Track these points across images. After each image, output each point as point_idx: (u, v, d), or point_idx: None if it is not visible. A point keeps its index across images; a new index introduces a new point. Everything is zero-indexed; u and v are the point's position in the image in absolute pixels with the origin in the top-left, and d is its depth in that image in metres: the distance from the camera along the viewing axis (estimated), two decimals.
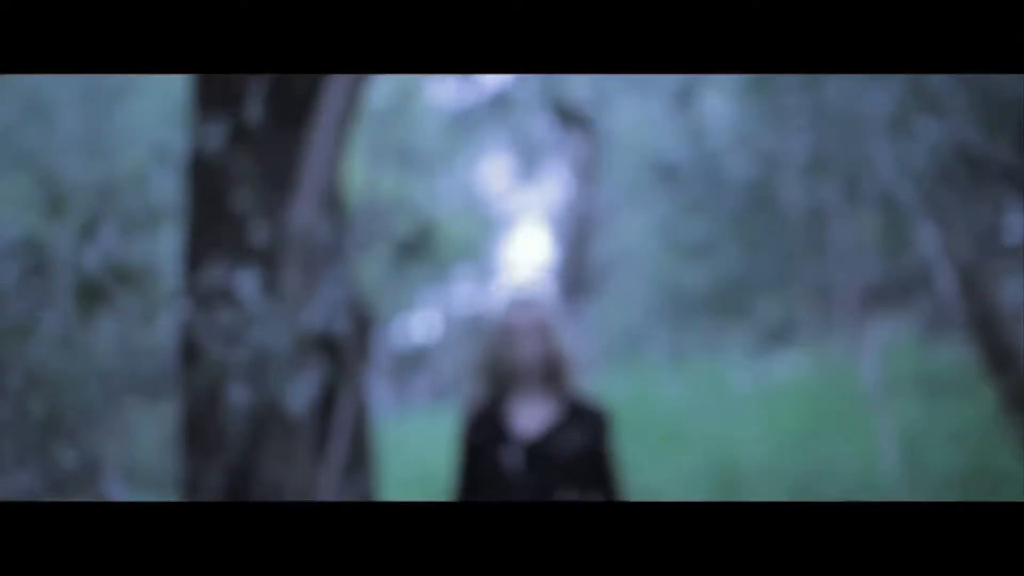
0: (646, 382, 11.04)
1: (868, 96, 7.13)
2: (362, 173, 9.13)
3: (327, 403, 5.48)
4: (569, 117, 6.57)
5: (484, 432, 3.81)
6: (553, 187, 19.61)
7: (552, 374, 3.86)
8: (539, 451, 3.75)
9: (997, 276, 8.42)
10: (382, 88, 9.75)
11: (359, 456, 5.67)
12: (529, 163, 19.38)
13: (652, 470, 8.76)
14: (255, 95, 5.36)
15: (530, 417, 3.81)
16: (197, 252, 5.49)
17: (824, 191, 9.02)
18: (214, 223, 5.49)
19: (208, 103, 5.56)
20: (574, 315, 16.25)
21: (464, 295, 19.85)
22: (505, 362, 3.87)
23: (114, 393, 5.36)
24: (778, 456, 8.86)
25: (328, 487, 5.38)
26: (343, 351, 5.49)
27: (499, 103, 9.94)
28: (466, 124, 15.51)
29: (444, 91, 15.44)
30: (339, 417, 5.49)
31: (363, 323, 5.67)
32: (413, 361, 19.38)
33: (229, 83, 5.49)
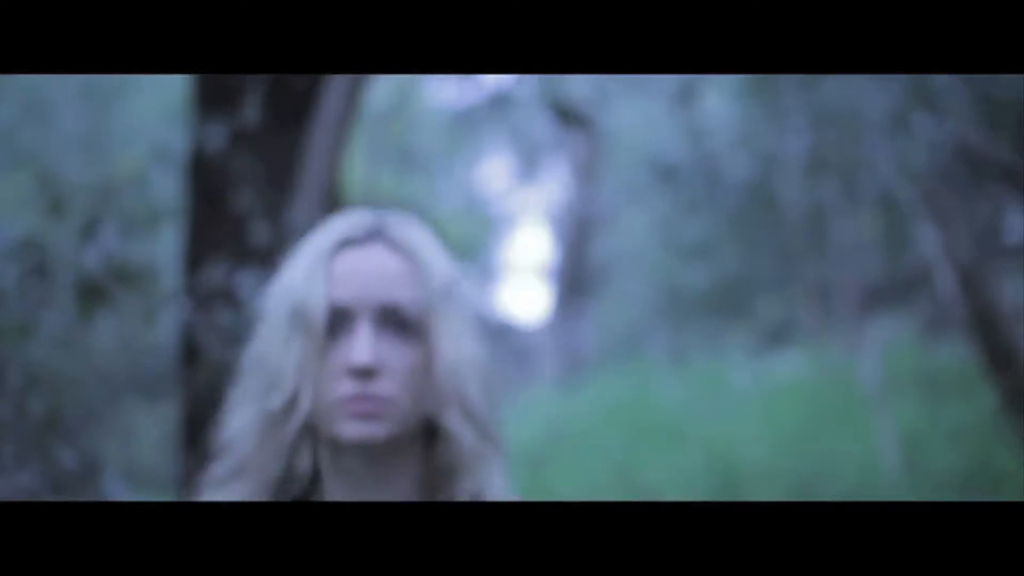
0: (646, 382, 11.04)
1: (868, 96, 7.12)
2: (362, 173, 9.13)
3: None
4: (569, 117, 6.56)
5: None
6: (553, 187, 19.61)
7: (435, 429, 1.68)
8: None
9: (997, 276, 8.41)
10: (382, 88, 9.75)
11: None
12: (529, 163, 19.36)
13: (652, 470, 8.76)
14: (252, 96, 5.36)
15: None
16: (197, 252, 5.49)
17: (824, 191, 9.01)
18: (214, 223, 5.49)
19: (208, 103, 5.56)
20: (579, 314, 16.27)
21: None
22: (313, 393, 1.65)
23: (114, 393, 5.35)
24: (778, 456, 8.86)
25: None
26: None
27: (499, 103, 9.94)
28: (466, 124, 15.49)
29: (444, 91, 15.44)
30: None
31: None
32: None
33: (229, 83, 5.49)
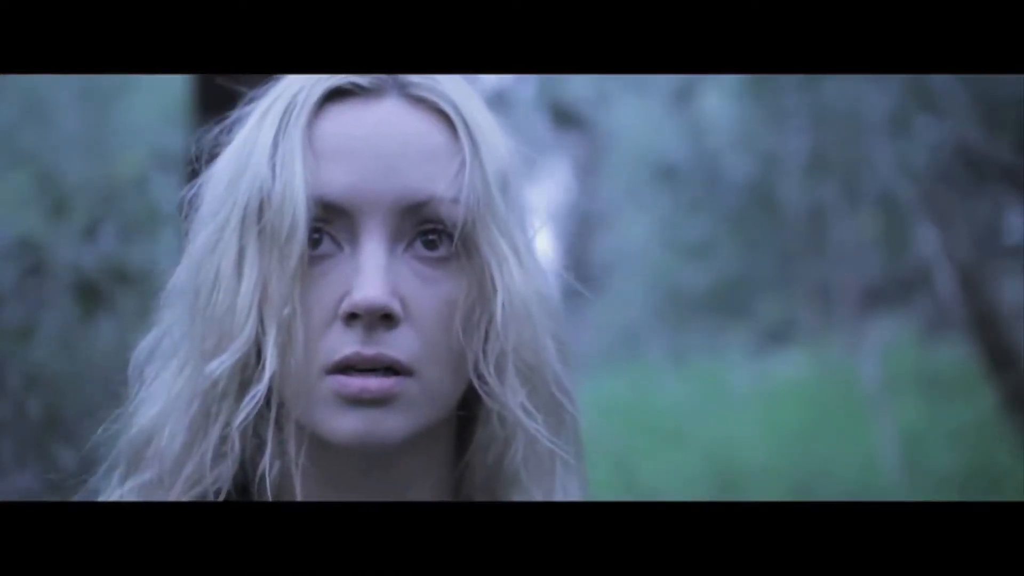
0: (646, 382, 11.04)
1: (868, 96, 7.13)
2: None
3: None
4: (567, 117, 6.57)
5: None
6: (552, 187, 19.63)
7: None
8: None
9: (997, 276, 8.42)
10: None
11: None
12: (528, 163, 19.37)
13: (652, 470, 8.76)
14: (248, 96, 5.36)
15: None
16: None
17: (824, 191, 9.02)
18: None
19: (208, 105, 5.56)
20: (579, 314, 16.21)
21: None
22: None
23: (114, 393, 5.36)
24: (778, 456, 8.87)
25: None
26: None
27: (498, 103, 9.95)
28: None
29: None
30: None
31: None
32: None
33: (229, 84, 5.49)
